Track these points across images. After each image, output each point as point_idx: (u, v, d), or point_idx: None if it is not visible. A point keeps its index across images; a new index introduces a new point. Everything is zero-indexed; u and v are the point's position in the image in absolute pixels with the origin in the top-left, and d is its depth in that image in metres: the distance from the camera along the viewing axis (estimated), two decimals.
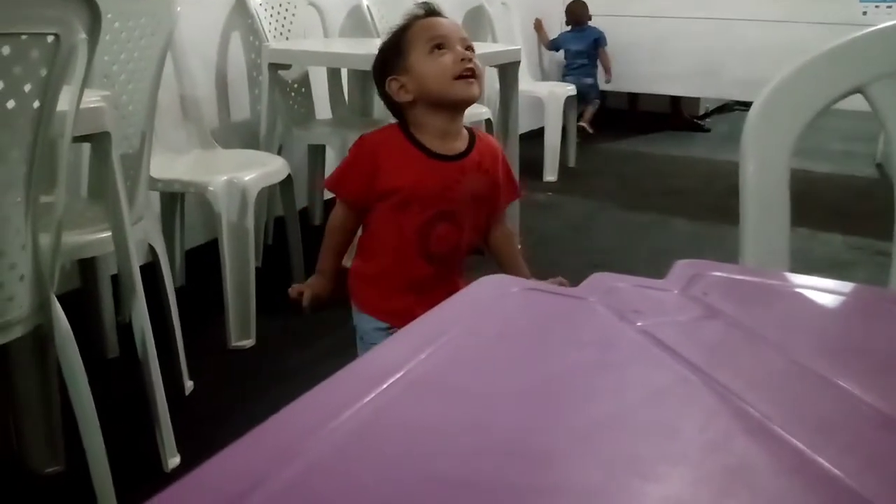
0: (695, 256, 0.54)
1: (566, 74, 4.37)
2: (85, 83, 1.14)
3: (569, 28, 4.45)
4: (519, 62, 2.70)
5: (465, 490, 0.29)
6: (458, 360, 0.41)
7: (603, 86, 4.50)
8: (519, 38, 3.98)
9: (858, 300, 0.46)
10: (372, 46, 2.68)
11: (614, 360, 0.41)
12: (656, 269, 0.52)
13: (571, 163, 4.05)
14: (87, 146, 1.44)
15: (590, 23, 4.40)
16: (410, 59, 1.29)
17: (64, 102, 1.11)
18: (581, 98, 4.22)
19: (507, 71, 2.64)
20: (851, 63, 0.71)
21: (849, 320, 0.44)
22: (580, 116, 4.36)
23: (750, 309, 0.44)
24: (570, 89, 3.93)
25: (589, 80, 4.35)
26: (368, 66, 2.58)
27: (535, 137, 3.80)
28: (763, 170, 0.68)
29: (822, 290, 0.47)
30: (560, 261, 2.68)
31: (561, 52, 4.50)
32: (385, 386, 0.37)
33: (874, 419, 0.33)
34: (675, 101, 5.07)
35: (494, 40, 3.71)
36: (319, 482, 0.29)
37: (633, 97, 5.15)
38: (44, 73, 1.03)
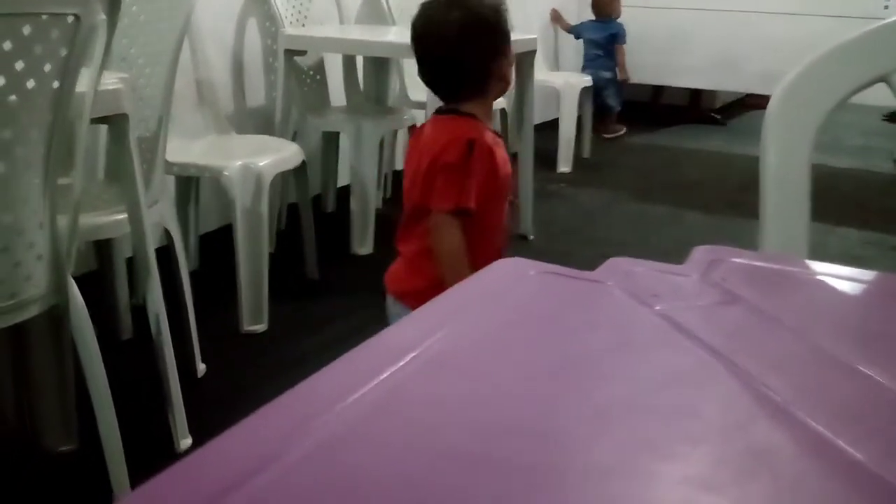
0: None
1: (585, 66, 4.27)
2: (104, 65, 1.15)
3: (593, 18, 4.33)
4: (535, 52, 2.68)
5: (479, 467, 0.29)
6: (475, 340, 0.41)
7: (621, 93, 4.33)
8: (535, 27, 3.95)
9: (879, 288, 0.46)
10: (388, 34, 2.68)
11: (632, 343, 0.40)
12: (670, 261, 0.52)
13: (586, 154, 4.03)
14: (104, 128, 1.45)
15: (618, 19, 4.24)
16: (507, 48, 1.32)
17: (83, 84, 1.11)
18: (597, 92, 4.12)
19: (523, 61, 2.62)
20: (876, 52, 0.70)
21: (870, 307, 0.44)
22: (601, 127, 4.27)
23: (770, 295, 0.44)
24: (587, 80, 3.91)
25: (606, 74, 4.22)
26: (384, 54, 2.57)
27: (549, 128, 3.78)
28: (784, 158, 0.67)
29: (843, 278, 0.46)
30: (573, 251, 2.67)
31: (581, 42, 4.44)
32: (400, 364, 0.37)
33: (895, 404, 0.33)
34: (696, 94, 5.03)
35: (511, 29, 3.69)
36: (331, 459, 0.29)
37: (658, 90, 5.09)
38: (63, 53, 1.04)
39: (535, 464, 0.29)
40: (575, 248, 2.74)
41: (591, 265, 0.50)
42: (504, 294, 0.47)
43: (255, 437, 0.32)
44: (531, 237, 2.77)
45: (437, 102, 1.39)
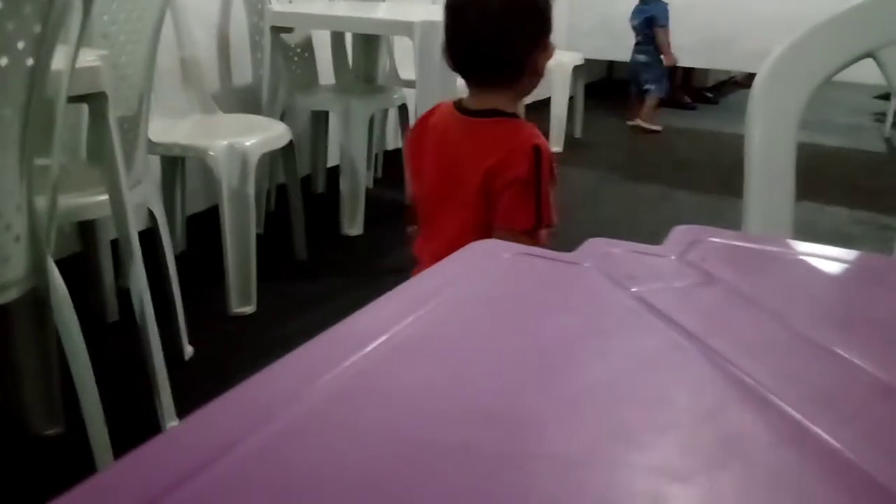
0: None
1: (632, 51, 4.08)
2: (81, 42, 1.12)
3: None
4: None
5: (447, 456, 0.28)
6: (446, 324, 0.40)
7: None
8: None
9: (862, 268, 0.45)
10: (377, 10, 2.64)
11: (607, 326, 0.39)
12: (660, 241, 0.51)
13: (578, 134, 4.01)
14: (87, 107, 1.43)
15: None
16: (548, 40, 1.19)
17: (59, 61, 1.09)
18: (633, 79, 4.00)
19: None
20: (862, 27, 0.69)
21: (851, 288, 0.43)
22: (634, 112, 4.10)
23: (749, 276, 0.43)
24: (578, 58, 3.87)
25: (641, 58, 4.03)
26: (373, 31, 2.51)
27: (541, 108, 3.75)
28: (769, 137, 0.66)
29: (825, 258, 0.45)
30: (564, 231, 2.65)
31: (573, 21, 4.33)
32: (368, 349, 0.36)
33: (874, 389, 0.32)
34: (688, 72, 4.99)
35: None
36: (295, 446, 0.28)
37: None
38: (37, 29, 1.01)
39: (506, 452, 0.28)
40: (566, 228, 2.72)
41: (580, 244, 0.49)
42: (477, 277, 0.46)
43: (214, 425, 0.31)
44: None
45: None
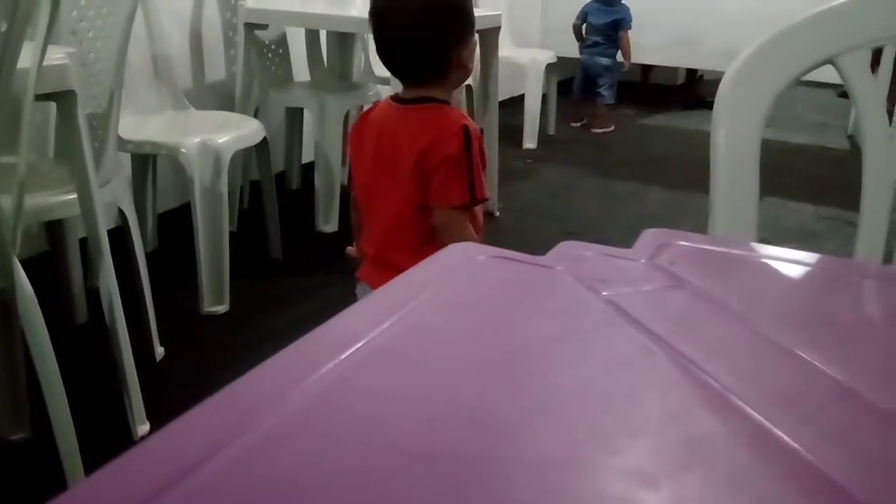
0: (671, 225, 0.53)
1: (582, 51, 4.03)
2: (49, 39, 1.10)
3: None
4: (499, 28, 2.66)
5: (424, 461, 0.28)
6: (422, 328, 0.40)
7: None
8: (501, 2, 3.92)
9: (824, 271, 0.46)
10: (352, 8, 2.63)
11: (578, 330, 0.40)
12: (633, 237, 0.52)
13: (551, 130, 4.03)
14: (55, 105, 1.40)
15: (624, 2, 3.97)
16: (470, 36, 1.28)
17: (27, 59, 1.07)
18: (591, 80, 3.98)
19: (488, 37, 2.60)
20: (823, 34, 0.70)
21: (814, 291, 0.44)
22: (590, 119, 4.06)
23: (716, 279, 0.44)
24: (551, 56, 3.88)
25: (604, 61, 3.96)
26: (348, 29, 2.50)
27: (515, 104, 3.77)
28: (734, 139, 0.68)
29: (789, 261, 0.47)
30: (538, 228, 2.68)
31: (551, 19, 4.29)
32: (346, 355, 0.36)
33: (833, 391, 0.33)
34: (648, 70, 5.04)
35: (476, 5, 3.65)
36: (274, 454, 0.29)
37: (647, 69, 5.03)
38: (3, 27, 0.99)
39: (482, 456, 0.29)
40: (539, 225, 2.75)
41: (555, 242, 0.49)
42: (452, 281, 0.46)
43: (191, 435, 0.31)
44: (497, 214, 2.77)
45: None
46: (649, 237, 0.50)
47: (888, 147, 0.70)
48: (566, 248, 0.50)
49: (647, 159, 3.78)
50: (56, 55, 1.20)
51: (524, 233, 2.57)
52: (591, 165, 3.58)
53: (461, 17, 1.26)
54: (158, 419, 1.45)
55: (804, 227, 2.85)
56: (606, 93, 4.05)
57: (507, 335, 0.40)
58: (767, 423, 0.30)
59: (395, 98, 1.32)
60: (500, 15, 2.70)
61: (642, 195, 3.19)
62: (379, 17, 1.26)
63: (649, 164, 3.67)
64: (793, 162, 3.66)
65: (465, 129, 1.22)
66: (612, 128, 4.20)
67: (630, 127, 4.41)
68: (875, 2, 0.70)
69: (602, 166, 3.57)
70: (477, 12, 2.94)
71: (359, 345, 0.37)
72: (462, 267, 0.48)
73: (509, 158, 3.29)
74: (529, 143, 3.76)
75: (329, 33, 2.77)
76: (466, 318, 0.43)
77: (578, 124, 4.21)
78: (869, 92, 0.71)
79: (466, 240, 1.25)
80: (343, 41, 2.78)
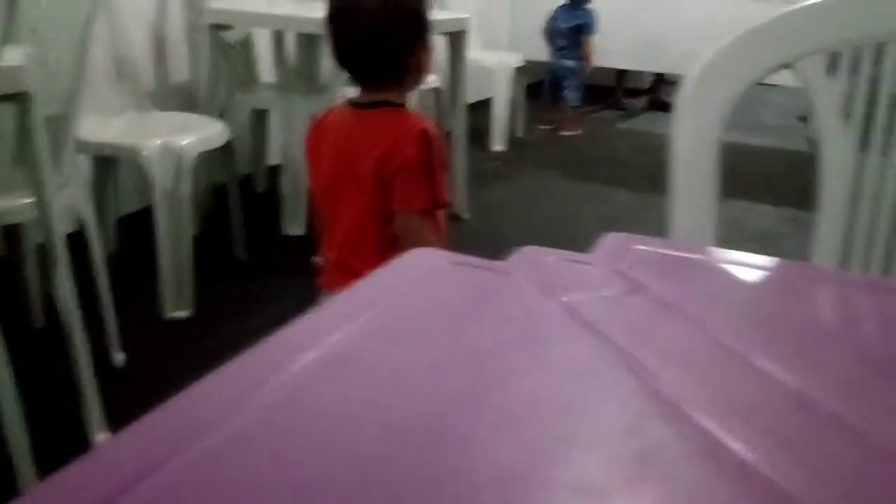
0: (637, 226, 0.53)
1: (550, 55, 4.06)
2: (7, 39, 1.07)
3: (568, 2, 4.03)
4: (466, 31, 2.66)
5: (376, 473, 0.28)
6: (380, 335, 0.40)
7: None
8: (470, 4, 3.93)
9: (782, 276, 0.46)
10: (317, 9, 2.61)
11: (536, 338, 0.40)
12: (596, 239, 0.51)
13: (520, 133, 4.04)
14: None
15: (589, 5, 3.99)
16: (427, 38, 1.26)
17: None
18: (556, 83, 4.01)
19: (456, 40, 2.60)
20: (781, 39, 0.71)
21: (770, 296, 0.44)
22: (557, 122, 4.08)
23: (673, 284, 0.44)
24: (518, 59, 3.89)
25: (568, 64, 4.00)
26: (314, 30, 2.49)
27: (484, 107, 3.78)
28: (692, 143, 0.68)
29: (747, 265, 0.47)
30: (506, 230, 2.68)
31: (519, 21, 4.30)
32: (304, 361, 0.36)
33: (790, 400, 0.33)
34: (620, 74, 5.08)
35: (444, 7, 3.65)
36: (230, 461, 0.28)
37: (621, 73, 5.07)
38: None
39: (432, 468, 0.28)
40: (507, 227, 2.75)
41: (523, 244, 0.49)
42: (410, 287, 0.46)
43: (147, 439, 0.30)
44: (466, 217, 2.77)
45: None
46: (609, 241, 0.50)
47: (843, 151, 0.71)
48: (527, 252, 0.49)
49: (614, 161, 3.81)
50: (13, 56, 1.16)
51: (492, 235, 2.57)
52: (559, 168, 3.60)
53: (417, 20, 1.25)
54: (119, 427, 1.42)
55: (767, 228, 2.90)
56: (571, 95, 4.09)
57: (464, 342, 0.40)
58: (723, 434, 0.30)
59: (352, 102, 1.30)
60: (468, 18, 2.70)
61: (609, 197, 3.21)
62: (335, 19, 1.24)
63: (616, 167, 3.70)
64: (756, 164, 3.72)
65: (425, 132, 1.22)
66: (579, 131, 4.24)
67: (599, 129, 4.45)
68: (831, 8, 0.71)
69: (570, 169, 3.60)
70: (444, 15, 2.95)
71: (316, 351, 0.37)
72: (420, 273, 0.48)
73: (478, 161, 3.29)
74: (498, 145, 3.77)
75: (295, 34, 2.75)
76: (424, 324, 0.42)
77: (547, 127, 4.24)
78: (825, 96, 0.72)
79: (429, 244, 1.25)
80: (309, 42, 2.75)
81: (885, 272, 0.72)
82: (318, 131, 1.35)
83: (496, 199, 3.11)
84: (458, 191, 2.76)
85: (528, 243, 0.50)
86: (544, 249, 0.50)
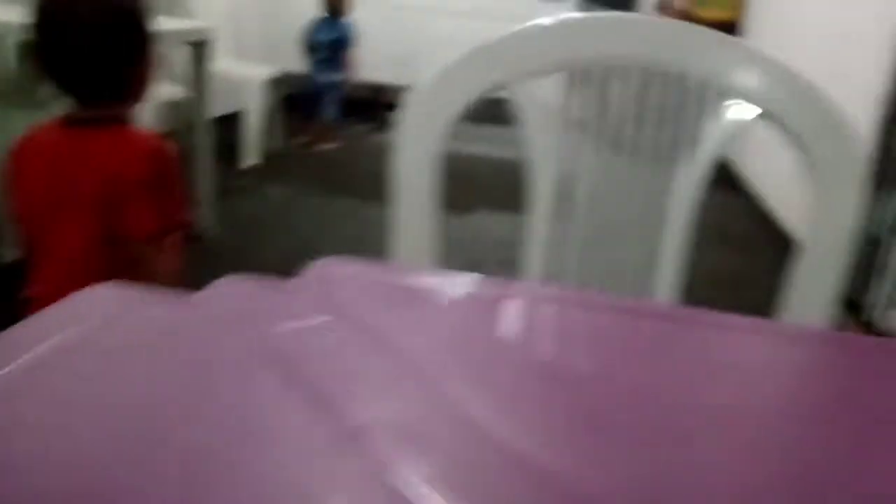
0: (384, 242, 0.51)
1: (309, 66, 3.99)
2: None
3: (326, 15, 3.96)
4: (209, 41, 2.53)
5: None
6: (46, 374, 0.34)
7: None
8: (217, 13, 3.76)
9: (483, 296, 0.47)
10: (15, 15, 2.32)
11: (223, 375, 0.36)
12: (350, 254, 0.49)
13: (275, 147, 3.95)
14: None
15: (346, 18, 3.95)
16: (149, 50, 1.15)
17: None
18: (314, 99, 3.96)
19: (199, 50, 2.47)
20: (497, 60, 0.75)
21: (468, 318, 0.45)
22: (313, 137, 4.02)
23: (379, 312, 0.43)
24: (271, 71, 3.80)
25: (327, 77, 3.96)
26: (25, 36, 2.19)
27: (235, 120, 3.63)
28: (413, 161, 0.69)
29: (453, 287, 0.47)
30: (262, 247, 2.59)
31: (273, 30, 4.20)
32: None
33: (467, 426, 0.33)
34: (379, 88, 5.19)
35: (189, 15, 3.45)
36: None
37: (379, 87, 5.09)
38: None
39: None
40: (263, 244, 2.67)
41: (280, 261, 0.45)
42: (86, 325, 0.40)
43: None
44: (213, 235, 2.63)
45: None
46: (318, 267, 0.48)
47: (549, 166, 0.76)
48: (226, 282, 0.46)
49: (368, 176, 3.86)
50: None
51: (247, 253, 2.47)
52: (313, 182, 3.57)
53: (138, 29, 1.16)
54: None
55: (510, 237, 3.12)
56: (329, 109, 4.08)
57: (139, 387, 0.35)
58: (397, 460, 0.29)
59: (69, 119, 1.16)
60: (211, 28, 2.58)
61: (360, 212, 3.24)
62: (45, 27, 1.11)
63: (369, 181, 3.75)
64: (495, 174, 3.99)
65: (156, 150, 1.14)
66: (336, 144, 4.24)
67: (355, 144, 4.49)
68: (546, 34, 0.76)
69: (323, 183, 3.58)
70: (186, 24, 2.79)
71: None
72: (99, 310, 0.43)
73: (228, 177, 3.16)
74: (252, 159, 3.65)
75: (14, 42, 2.42)
76: (98, 365, 0.37)
77: (303, 141, 4.19)
78: (535, 116, 0.76)
79: (165, 269, 1.16)
80: (24, 52, 2.45)
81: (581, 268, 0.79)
82: (25, 151, 1.19)
83: (247, 216, 3.01)
84: (203, 209, 2.62)
85: (285, 261, 0.46)
86: (246, 278, 0.47)
